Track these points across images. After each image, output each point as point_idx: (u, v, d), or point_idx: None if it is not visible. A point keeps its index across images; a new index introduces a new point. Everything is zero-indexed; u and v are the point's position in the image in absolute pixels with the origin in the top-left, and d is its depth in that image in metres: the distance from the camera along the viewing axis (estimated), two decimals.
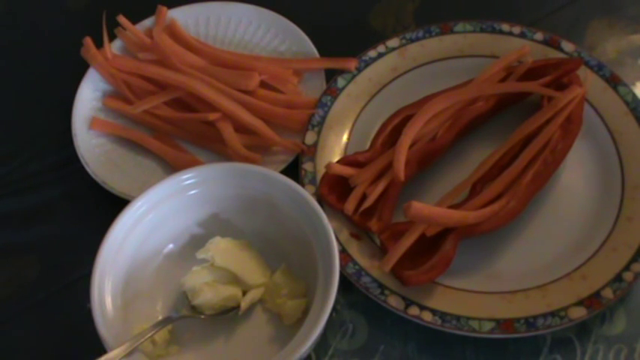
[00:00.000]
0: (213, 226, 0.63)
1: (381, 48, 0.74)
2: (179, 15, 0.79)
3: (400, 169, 0.63)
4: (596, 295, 0.60)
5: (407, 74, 0.74)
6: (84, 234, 0.69)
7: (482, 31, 0.75)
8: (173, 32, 0.77)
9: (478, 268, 0.63)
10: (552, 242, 0.64)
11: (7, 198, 0.72)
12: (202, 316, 0.60)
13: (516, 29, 0.74)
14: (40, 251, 0.69)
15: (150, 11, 0.78)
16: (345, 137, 0.71)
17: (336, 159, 0.68)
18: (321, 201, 0.65)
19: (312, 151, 0.69)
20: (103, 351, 0.54)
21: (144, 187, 0.61)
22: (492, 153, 0.66)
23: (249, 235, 0.63)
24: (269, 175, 0.61)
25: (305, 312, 0.60)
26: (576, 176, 0.68)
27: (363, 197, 0.64)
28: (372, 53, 0.74)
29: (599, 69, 0.71)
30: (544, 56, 0.72)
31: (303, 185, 0.66)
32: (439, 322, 0.59)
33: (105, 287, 0.57)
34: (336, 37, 0.78)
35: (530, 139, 0.66)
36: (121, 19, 0.77)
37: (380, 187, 0.64)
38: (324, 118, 0.71)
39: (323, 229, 0.57)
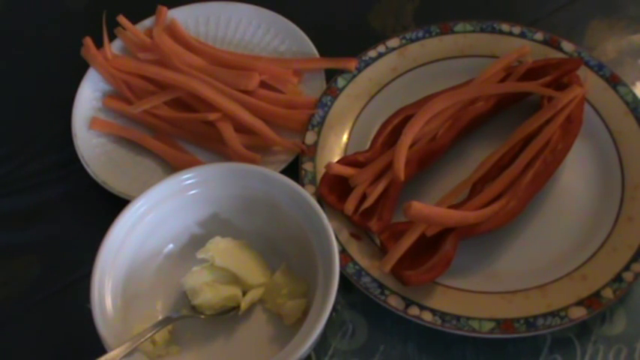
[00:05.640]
0: (213, 226, 0.63)
1: (381, 48, 0.74)
2: (179, 15, 0.79)
3: (400, 169, 0.63)
4: (596, 295, 0.60)
5: (407, 74, 0.74)
6: (84, 234, 0.69)
7: (482, 31, 0.75)
8: (173, 32, 0.77)
9: (478, 268, 0.63)
10: (552, 242, 0.64)
11: (7, 198, 0.72)
12: (202, 316, 0.60)
13: (516, 29, 0.74)
14: (40, 251, 0.69)
15: (150, 11, 0.78)
16: (345, 137, 0.71)
17: (336, 159, 0.68)
18: (321, 201, 0.65)
19: (312, 151, 0.69)
20: (103, 351, 0.54)
21: (144, 187, 0.61)
22: (492, 153, 0.66)
23: (249, 235, 0.63)
24: (269, 175, 0.61)
25: (305, 312, 0.60)
26: (576, 176, 0.68)
27: (363, 197, 0.64)
28: (372, 53, 0.74)
29: (599, 69, 0.71)
30: (544, 56, 0.72)
31: (303, 185, 0.66)
32: (439, 322, 0.59)
33: (105, 287, 0.57)
34: (336, 37, 0.78)
35: (530, 139, 0.66)
36: (121, 19, 0.77)
37: (380, 187, 0.64)
38: (324, 118, 0.71)
39: (323, 229, 0.57)
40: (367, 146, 0.69)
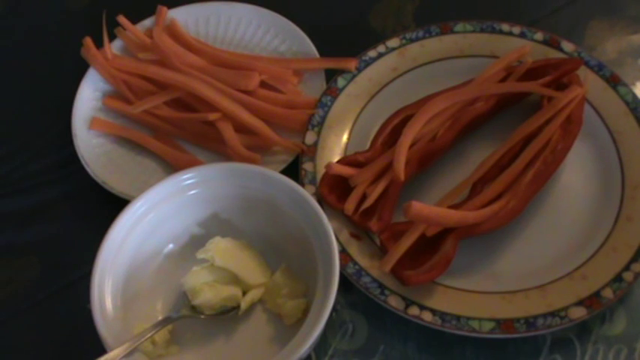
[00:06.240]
0: (213, 226, 0.63)
1: (381, 48, 0.74)
2: (179, 15, 0.79)
3: (400, 169, 0.63)
4: (596, 295, 0.60)
5: (407, 74, 0.74)
6: (84, 234, 0.69)
7: (482, 31, 0.75)
8: (173, 32, 0.77)
9: (478, 268, 0.63)
10: (552, 242, 0.64)
11: (7, 198, 0.72)
12: (202, 316, 0.60)
13: (516, 29, 0.74)
14: (40, 251, 0.69)
15: (150, 11, 0.78)
16: (345, 137, 0.71)
17: (336, 159, 0.68)
18: (321, 201, 0.65)
19: (312, 151, 0.69)
20: (103, 351, 0.54)
21: (144, 187, 0.61)
22: (492, 153, 0.66)
23: (249, 235, 0.63)
24: (269, 175, 0.61)
25: (305, 312, 0.60)
26: (576, 176, 0.68)
27: (363, 197, 0.64)
28: (372, 53, 0.74)
29: (599, 69, 0.71)
30: (544, 56, 0.72)
31: (303, 185, 0.66)
32: (439, 322, 0.59)
33: (105, 287, 0.57)
34: (336, 37, 0.78)
35: (530, 139, 0.66)
36: (121, 19, 0.77)
37: (380, 187, 0.64)
38: (324, 118, 0.71)
39: (323, 229, 0.57)
40: (367, 146, 0.69)
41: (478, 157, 0.67)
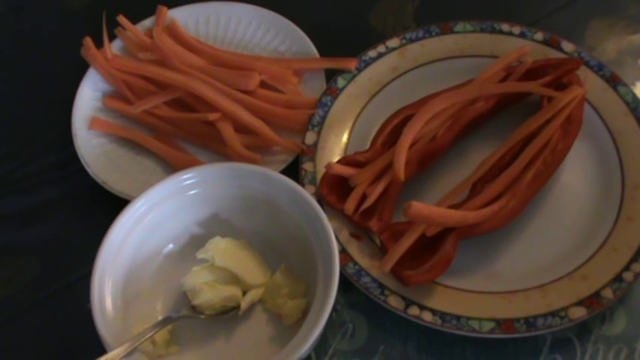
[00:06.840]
0: (213, 226, 0.63)
1: (381, 48, 0.74)
2: (179, 15, 0.79)
3: (400, 169, 0.63)
4: (596, 295, 0.60)
5: (407, 74, 0.74)
6: (84, 234, 0.69)
7: (482, 31, 0.75)
8: (173, 32, 0.77)
9: (478, 268, 0.63)
10: (552, 242, 0.64)
11: (7, 198, 0.72)
12: (202, 316, 0.60)
13: (516, 29, 0.74)
14: (40, 251, 0.69)
15: (150, 11, 0.78)
16: (345, 137, 0.71)
17: (336, 159, 0.68)
18: (321, 201, 0.65)
19: (312, 151, 0.69)
20: (103, 351, 0.54)
21: (144, 187, 0.61)
22: (492, 153, 0.66)
23: (249, 235, 0.63)
24: (269, 175, 0.61)
25: (305, 312, 0.60)
26: (576, 176, 0.68)
27: (363, 197, 0.64)
28: (372, 53, 0.74)
29: (599, 69, 0.71)
30: (544, 56, 0.72)
31: (303, 185, 0.66)
32: (439, 322, 0.59)
33: (105, 287, 0.57)
34: (336, 37, 0.78)
35: (530, 139, 0.66)
36: (121, 19, 0.77)
37: (380, 187, 0.64)
38: (324, 118, 0.71)
39: (323, 229, 0.57)
40: (367, 146, 0.69)
41: (478, 157, 0.67)
